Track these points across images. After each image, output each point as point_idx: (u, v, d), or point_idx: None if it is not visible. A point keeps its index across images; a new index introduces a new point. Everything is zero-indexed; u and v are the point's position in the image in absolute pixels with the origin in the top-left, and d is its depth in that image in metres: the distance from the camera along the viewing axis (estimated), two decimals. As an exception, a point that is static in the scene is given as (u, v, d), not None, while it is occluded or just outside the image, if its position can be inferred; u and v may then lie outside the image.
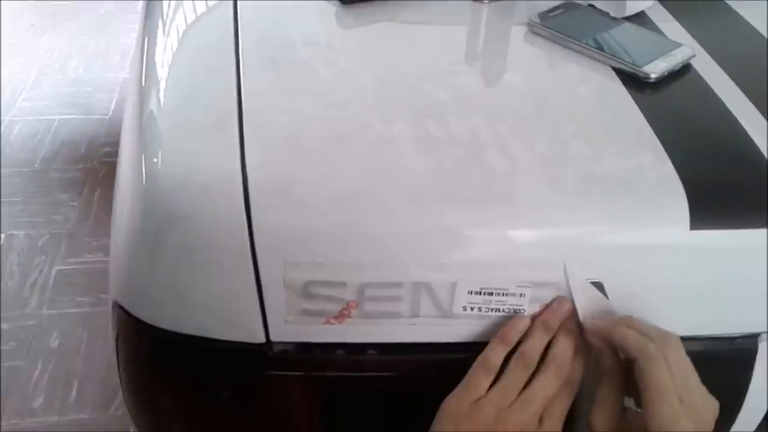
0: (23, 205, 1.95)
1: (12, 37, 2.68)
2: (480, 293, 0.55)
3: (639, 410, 0.52)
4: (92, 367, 1.55)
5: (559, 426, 0.55)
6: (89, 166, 2.09)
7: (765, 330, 0.60)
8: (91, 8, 2.91)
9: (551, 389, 0.54)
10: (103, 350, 1.57)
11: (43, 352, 1.58)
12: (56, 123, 2.26)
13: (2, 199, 1.95)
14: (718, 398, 0.56)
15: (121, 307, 0.60)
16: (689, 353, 0.58)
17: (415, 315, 0.56)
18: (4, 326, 1.62)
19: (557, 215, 0.56)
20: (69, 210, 1.95)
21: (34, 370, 1.54)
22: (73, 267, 1.78)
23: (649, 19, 0.76)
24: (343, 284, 0.55)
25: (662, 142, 0.59)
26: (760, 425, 0.64)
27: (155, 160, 0.60)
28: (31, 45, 2.67)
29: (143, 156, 0.61)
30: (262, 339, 0.57)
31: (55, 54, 2.62)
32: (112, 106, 2.34)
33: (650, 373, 0.50)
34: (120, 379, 0.65)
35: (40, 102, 2.35)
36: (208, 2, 0.82)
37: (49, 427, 1.44)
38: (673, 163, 0.57)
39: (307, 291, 0.55)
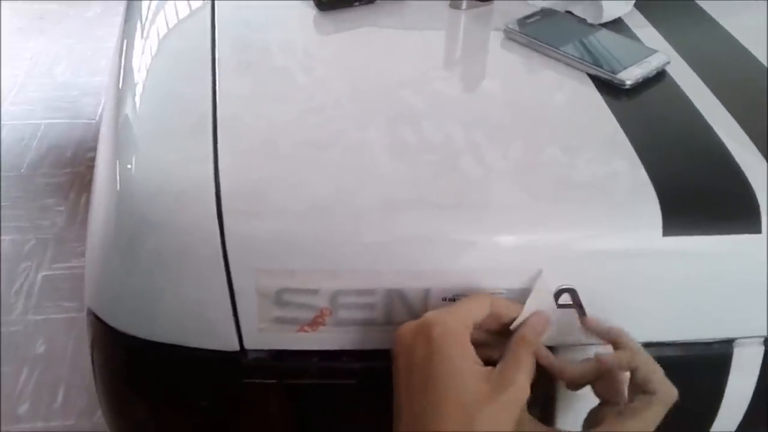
0: (9, 210, 1.95)
1: (-2, 41, 2.68)
2: (453, 300, 0.55)
3: None
4: (78, 373, 1.54)
5: None
6: (76, 171, 2.09)
7: (740, 335, 0.60)
8: (78, 12, 2.90)
9: None
10: (89, 356, 1.56)
11: (29, 358, 1.57)
12: (43, 127, 2.25)
13: (-12, 204, 1.95)
14: (693, 404, 0.56)
15: (95, 315, 0.60)
16: (665, 359, 0.59)
17: (389, 322, 0.56)
18: (-11, 332, 1.61)
19: (530, 221, 0.56)
20: (55, 215, 1.94)
21: (20, 376, 1.53)
22: (59, 272, 1.77)
23: (626, 25, 0.77)
24: (316, 292, 0.55)
25: (636, 148, 0.59)
26: (735, 431, 0.64)
27: (129, 165, 0.60)
28: (18, 49, 2.66)
29: (118, 161, 0.61)
30: (235, 347, 0.56)
31: (41, 58, 2.61)
32: (99, 111, 2.33)
33: (650, 413, 0.51)
34: (96, 387, 0.65)
35: (27, 106, 2.35)
36: (186, 7, 0.81)
37: (35, 433, 1.43)
38: (647, 169, 0.57)
39: (280, 298, 0.55)
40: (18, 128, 2.25)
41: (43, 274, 1.77)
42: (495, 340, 0.54)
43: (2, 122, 2.27)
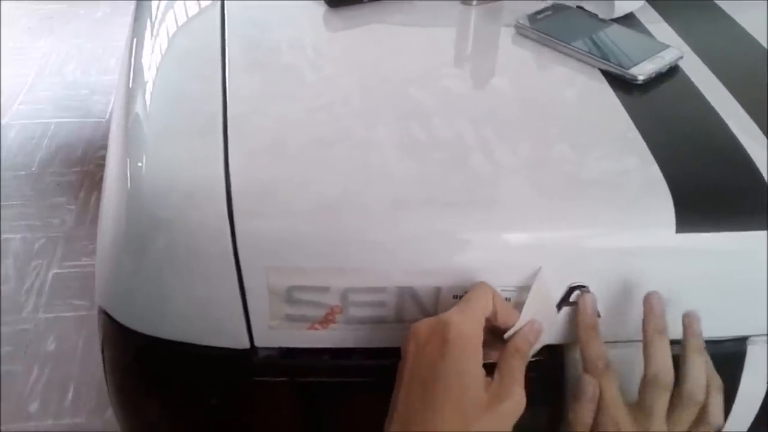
0: (20, 208, 1.96)
1: (9, 41, 2.69)
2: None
3: None
4: (88, 371, 1.55)
5: None
6: (86, 169, 2.09)
7: (753, 333, 0.60)
8: (88, 12, 2.91)
9: None
10: (99, 354, 1.57)
11: (40, 356, 1.58)
12: (53, 126, 2.26)
13: (-1, 203, 1.96)
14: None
15: (106, 313, 0.60)
16: (677, 357, 0.58)
17: (400, 320, 0.56)
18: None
19: (542, 219, 0.55)
20: (66, 213, 1.95)
21: (30, 374, 1.54)
22: (69, 270, 1.78)
23: (638, 20, 0.76)
24: (326, 289, 0.54)
25: (648, 144, 0.59)
26: (749, 429, 0.63)
27: (140, 164, 0.60)
28: (28, 48, 2.67)
29: (128, 160, 0.61)
30: (246, 345, 0.56)
31: (52, 57, 2.62)
32: (109, 109, 2.34)
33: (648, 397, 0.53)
34: (107, 385, 0.65)
35: (37, 105, 2.36)
36: (196, 6, 0.81)
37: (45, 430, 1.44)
38: (660, 166, 0.57)
39: (290, 296, 0.54)
40: (28, 127, 2.26)
41: (54, 272, 1.77)
42: (487, 339, 0.54)
43: (13, 121, 2.28)
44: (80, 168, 2.10)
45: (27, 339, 1.61)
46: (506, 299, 0.55)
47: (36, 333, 1.62)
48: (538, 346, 0.55)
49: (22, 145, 2.18)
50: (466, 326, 0.50)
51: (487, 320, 0.53)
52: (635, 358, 0.56)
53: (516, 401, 0.49)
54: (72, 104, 2.37)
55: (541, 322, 0.54)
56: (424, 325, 0.51)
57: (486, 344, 0.53)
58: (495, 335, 0.54)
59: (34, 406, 1.48)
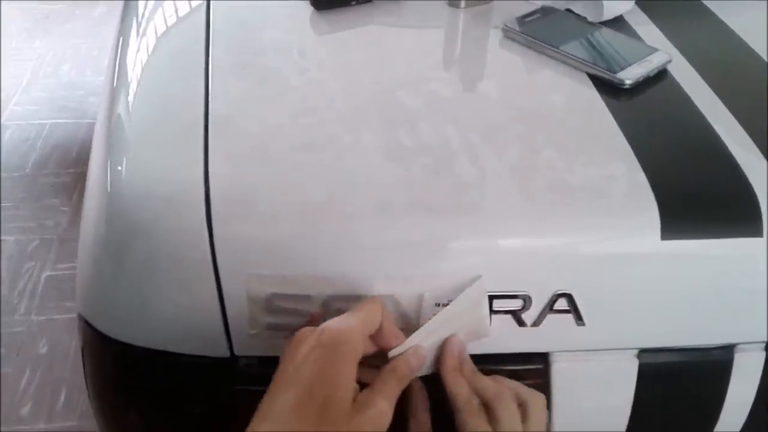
0: (13, 210, 1.94)
1: (4, 41, 2.68)
2: (447, 305, 0.54)
3: None
4: (80, 374, 1.52)
5: None
6: (80, 171, 2.08)
7: (740, 341, 0.59)
8: (84, 12, 2.90)
9: None
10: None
11: (32, 359, 1.56)
12: (48, 127, 2.25)
13: (-7, 204, 1.95)
14: (694, 411, 0.55)
15: (86, 321, 0.59)
16: (664, 365, 0.58)
17: (382, 328, 0.55)
18: (-7, 332, 1.61)
19: (527, 225, 0.54)
20: (60, 215, 1.94)
21: (22, 376, 1.53)
22: (62, 272, 1.77)
23: (627, 23, 0.75)
24: (307, 297, 0.54)
25: (635, 150, 0.58)
26: (737, 438, 0.63)
27: (120, 167, 0.59)
28: (24, 49, 2.66)
29: (109, 163, 0.60)
30: (226, 353, 0.56)
31: (47, 58, 2.61)
32: (103, 111, 2.33)
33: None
34: (87, 392, 0.65)
35: (32, 106, 2.35)
36: (182, 7, 0.80)
37: (37, 434, 1.43)
38: (645, 172, 0.56)
39: (270, 304, 0.54)
40: (23, 128, 2.25)
41: (47, 274, 1.76)
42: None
43: (7, 122, 2.27)
44: (75, 169, 2.09)
45: (19, 341, 1.60)
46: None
47: (28, 335, 1.61)
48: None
49: (16, 147, 2.17)
50: (344, 334, 0.48)
51: (372, 339, 0.51)
52: (620, 366, 0.55)
53: (377, 411, 0.47)
54: (67, 105, 2.36)
55: (426, 350, 0.53)
56: (303, 330, 0.49)
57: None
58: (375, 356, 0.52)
59: (25, 409, 1.47)
